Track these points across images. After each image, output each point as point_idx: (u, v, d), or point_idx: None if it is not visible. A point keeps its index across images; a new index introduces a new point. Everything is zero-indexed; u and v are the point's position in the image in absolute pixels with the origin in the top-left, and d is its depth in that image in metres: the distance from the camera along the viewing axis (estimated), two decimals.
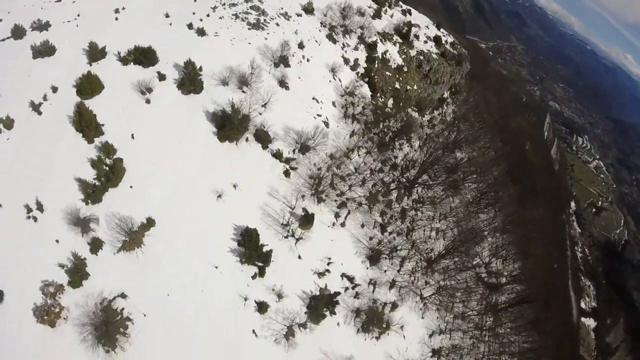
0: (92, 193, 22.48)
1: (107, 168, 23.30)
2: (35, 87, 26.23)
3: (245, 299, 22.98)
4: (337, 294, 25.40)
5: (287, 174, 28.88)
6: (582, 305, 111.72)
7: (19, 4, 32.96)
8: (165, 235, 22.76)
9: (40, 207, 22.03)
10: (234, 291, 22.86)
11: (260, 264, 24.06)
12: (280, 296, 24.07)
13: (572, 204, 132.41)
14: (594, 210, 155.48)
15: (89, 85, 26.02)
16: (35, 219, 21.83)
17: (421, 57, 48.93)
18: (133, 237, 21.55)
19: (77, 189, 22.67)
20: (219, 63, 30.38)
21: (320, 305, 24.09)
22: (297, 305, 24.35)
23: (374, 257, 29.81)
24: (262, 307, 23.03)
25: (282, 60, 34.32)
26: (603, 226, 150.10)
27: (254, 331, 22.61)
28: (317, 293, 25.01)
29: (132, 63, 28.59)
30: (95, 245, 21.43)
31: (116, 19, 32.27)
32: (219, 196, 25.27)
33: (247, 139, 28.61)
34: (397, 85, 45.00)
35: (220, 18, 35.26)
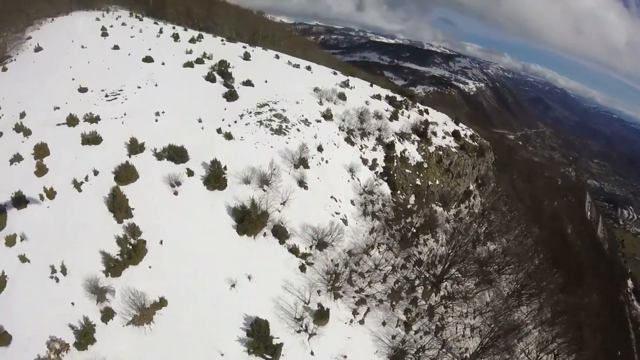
0: (113, 267, 24.40)
1: (131, 247, 25.41)
2: (79, 168, 30.26)
3: None
4: None
5: (302, 268, 29.36)
6: None
7: (76, 98, 39.92)
8: (176, 316, 23.59)
9: (64, 270, 24.09)
10: None
11: (268, 357, 23.55)
12: None
13: (629, 282, 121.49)
14: None
15: (125, 174, 29.73)
16: (57, 279, 23.82)
17: (440, 152, 50.85)
18: (144, 313, 22.60)
19: (100, 261, 24.67)
20: (242, 163, 33.58)
21: None
22: None
23: (397, 357, 27.94)
24: None
25: (302, 162, 37.07)
26: None
27: None
28: None
29: (165, 159, 32.45)
30: (107, 315, 22.61)
31: (156, 120, 37.40)
32: (233, 285, 26.08)
33: (264, 234, 30.08)
34: (418, 182, 46.28)
35: (247, 124, 39.40)
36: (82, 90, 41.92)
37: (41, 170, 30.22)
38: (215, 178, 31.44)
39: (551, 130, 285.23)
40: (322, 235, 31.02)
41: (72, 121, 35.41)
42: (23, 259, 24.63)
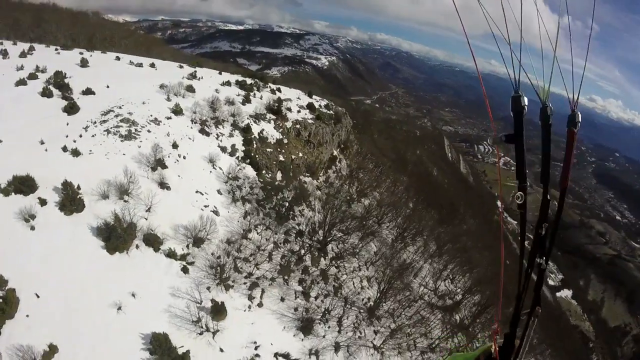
0: None
1: (1, 300, 22.65)
2: None
3: None
4: None
5: (185, 270, 28.84)
6: (550, 282, 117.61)
7: None
8: (72, 357, 21.90)
9: None
10: None
11: None
12: None
13: (499, 204, 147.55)
14: None
15: None
16: None
17: (298, 126, 53.27)
18: None
19: None
20: (96, 178, 31.25)
21: None
22: None
23: (305, 327, 29.61)
24: None
25: (159, 163, 35.74)
26: (534, 208, 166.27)
27: None
28: None
29: (13, 193, 28.90)
30: None
31: None
32: (119, 308, 24.59)
33: (137, 246, 28.75)
34: (281, 158, 47.97)
35: (93, 136, 36.52)
36: None
37: None
38: (70, 201, 29.00)
39: (403, 90, 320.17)
40: (196, 232, 30.62)
41: None
42: None
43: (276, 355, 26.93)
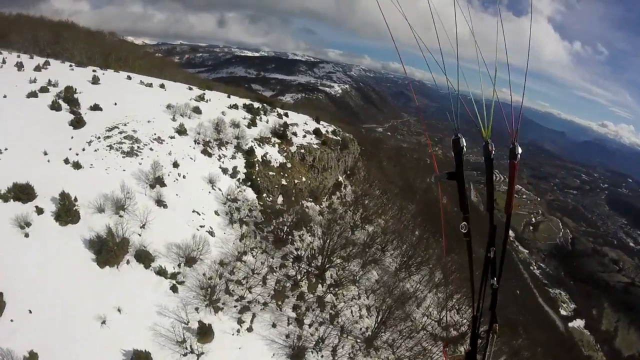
0: None
1: None
2: None
3: None
4: None
5: (174, 289, 29.14)
6: (563, 312, 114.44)
7: None
8: None
9: None
10: None
11: None
12: None
13: (510, 232, 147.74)
14: (531, 228, 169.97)
15: None
16: None
17: (302, 151, 54.12)
18: None
19: None
20: (94, 192, 32.26)
21: None
22: None
23: (297, 355, 29.23)
24: None
25: (158, 181, 36.71)
26: (546, 237, 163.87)
27: None
28: None
29: (12, 200, 30.23)
30: None
31: None
32: (103, 322, 24.95)
33: (127, 261, 29.32)
34: (283, 182, 48.62)
35: (95, 150, 38.01)
36: None
37: None
38: (65, 212, 30.14)
39: (415, 119, 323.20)
40: (189, 250, 31.04)
41: None
42: None
43: None
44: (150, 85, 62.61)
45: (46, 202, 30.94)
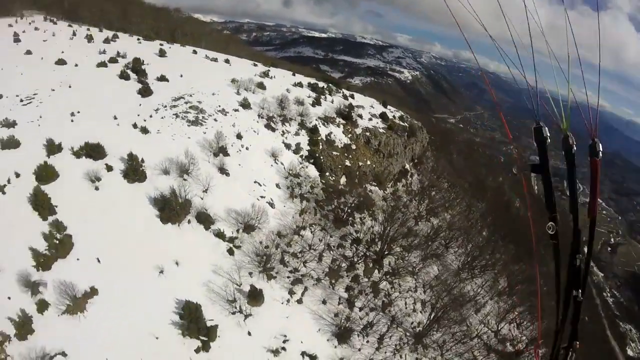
0: (43, 261, 26.27)
1: (58, 242, 27.34)
2: (0, 173, 31.63)
3: None
4: None
5: (230, 252, 30.87)
6: (630, 352, 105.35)
7: None
8: (108, 304, 25.28)
9: None
10: None
11: (204, 338, 24.88)
12: None
13: (584, 249, 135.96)
14: (609, 249, 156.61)
15: (45, 174, 31.75)
16: None
17: (368, 134, 53.75)
18: (76, 303, 24.52)
19: (30, 257, 26.24)
20: (160, 156, 35.26)
21: None
22: None
23: (342, 334, 29.59)
24: None
25: (221, 150, 38.76)
26: (624, 262, 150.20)
27: None
28: None
29: (84, 157, 34.36)
30: (42, 306, 24.52)
31: (72, 120, 39.11)
32: (161, 272, 27.64)
33: (189, 221, 31.69)
34: (347, 163, 48.64)
35: (162, 118, 41.21)
36: None
37: None
38: (133, 171, 33.40)
39: (489, 113, 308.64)
40: (248, 218, 32.51)
41: None
42: None
43: (303, 353, 27.28)
44: (215, 60, 65.60)
45: (115, 161, 34.54)
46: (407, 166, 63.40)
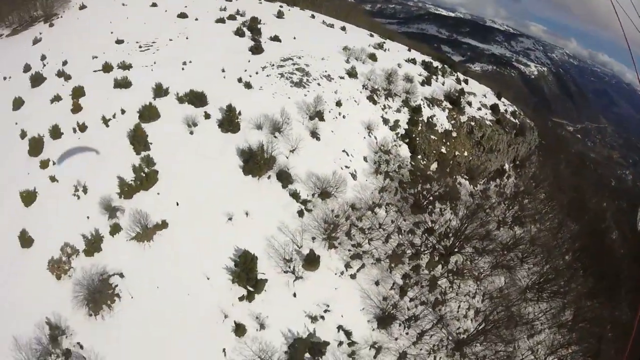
0: (126, 190, 29.50)
1: (144, 175, 30.12)
2: (109, 108, 36.25)
3: (226, 316, 24.80)
4: (327, 344, 24.82)
5: (301, 213, 30.95)
6: None
7: (113, 48, 46.60)
8: (173, 238, 27.64)
9: (85, 190, 30.42)
10: (217, 305, 25.14)
11: (250, 289, 25.68)
12: (262, 326, 24.85)
13: None
14: None
15: (148, 113, 35.08)
16: (78, 197, 30.31)
17: (472, 123, 49.51)
18: (146, 232, 27.21)
19: (116, 185, 29.60)
20: (257, 111, 36.08)
21: (302, 349, 23.73)
22: (279, 342, 24.69)
23: (384, 319, 28.45)
24: (239, 329, 24.19)
25: (317, 115, 38.24)
26: None
27: (224, 350, 23.70)
28: (304, 336, 24.70)
29: (186, 102, 36.83)
30: (115, 229, 27.74)
31: (183, 68, 42.22)
32: (230, 219, 28.98)
33: (269, 177, 32.44)
34: (443, 150, 45.55)
35: (267, 76, 41.87)
36: (119, 42, 48.18)
37: (76, 109, 36.87)
38: (228, 122, 34.77)
39: (613, 128, 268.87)
40: (326, 184, 31.92)
41: (107, 68, 41.70)
42: (52, 179, 31.45)
43: (340, 327, 26.82)
44: (331, 26, 64.57)
45: (214, 110, 36.30)
46: (507, 166, 57.87)
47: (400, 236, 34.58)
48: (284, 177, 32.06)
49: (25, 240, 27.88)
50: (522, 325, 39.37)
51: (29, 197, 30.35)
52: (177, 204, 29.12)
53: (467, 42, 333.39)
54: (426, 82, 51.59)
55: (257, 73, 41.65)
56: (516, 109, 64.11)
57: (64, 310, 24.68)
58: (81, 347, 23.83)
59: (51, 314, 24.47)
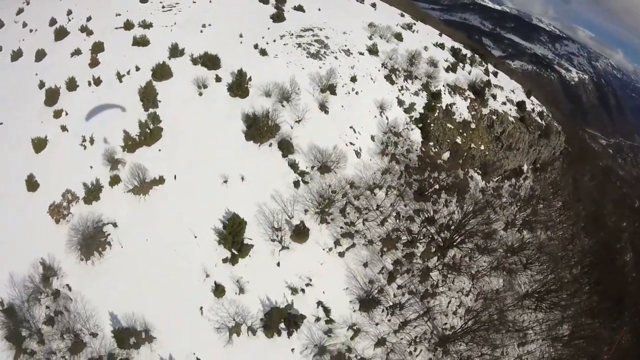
0: (130, 144, 30.71)
1: (149, 131, 31.16)
2: (125, 64, 37.52)
3: (207, 276, 25.41)
4: (303, 317, 24.72)
5: (297, 184, 30.81)
6: None
7: (136, 7, 47.54)
8: (168, 194, 28.76)
9: (91, 141, 31.95)
10: (200, 264, 25.79)
11: (235, 252, 26.08)
12: (242, 290, 25.19)
13: None
14: None
15: (161, 72, 36.10)
16: (84, 147, 31.90)
17: (494, 117, 47.86)
18: (143, 186, 28.42)
19: (121, 138, 30.82)
20: (268, 78, 36.19)
21: (277, 318, 23.79)
22: (255, 308, 24.99)
23: (367, 303, 27.92)
24: (219, 289, 24.68)
25: (330, 88, 37.67)
26: None
27: (201, 308, 24.26)
28: (282, 306, 24.77)
29: (200, 64, 37.48)
30: (114, 180, 29.12)
31: (201, 31, 42.94)
32: (225, 181, 29.55)
33: (270, 144, 32.54)
34: (458, 140, 44.18)
35: (285, 45, 41.82)
36: (143, 1, 49.09)
37: (94, 63, 38.47)
38: (237, 86, 35.20)
39: None
40: (327, 158, 31.47)
41: (128, 26, 43.03)
42: (63, 128, 33.22)
43: (319, 303, 26.59)
44: (361, 1, 63.12)
45: (225, 74, 36.88)
46: (525, 167, 56.06)
47: (397, 221, 33.81)
48: (285, 146, 31.98)
49: (32, 184, 29.42)
50: (513, 332, 38.41)
51: (39, 144, 31.99)
52: (177, 176, 29.88)
53: (509, 37, 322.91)
54: (451, 68, 49.97)
55: (274, 41, 41.77)
56: (545, 110, 61.87)
57: (58, 252, 26.21)
58: (69, 288, 25.16)
59: (46, 255, 26.07)
